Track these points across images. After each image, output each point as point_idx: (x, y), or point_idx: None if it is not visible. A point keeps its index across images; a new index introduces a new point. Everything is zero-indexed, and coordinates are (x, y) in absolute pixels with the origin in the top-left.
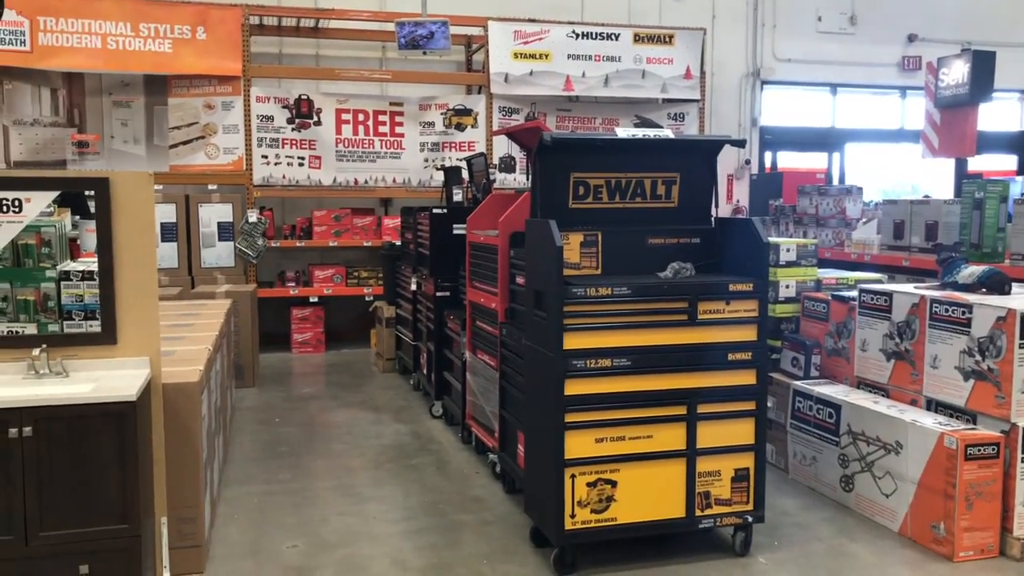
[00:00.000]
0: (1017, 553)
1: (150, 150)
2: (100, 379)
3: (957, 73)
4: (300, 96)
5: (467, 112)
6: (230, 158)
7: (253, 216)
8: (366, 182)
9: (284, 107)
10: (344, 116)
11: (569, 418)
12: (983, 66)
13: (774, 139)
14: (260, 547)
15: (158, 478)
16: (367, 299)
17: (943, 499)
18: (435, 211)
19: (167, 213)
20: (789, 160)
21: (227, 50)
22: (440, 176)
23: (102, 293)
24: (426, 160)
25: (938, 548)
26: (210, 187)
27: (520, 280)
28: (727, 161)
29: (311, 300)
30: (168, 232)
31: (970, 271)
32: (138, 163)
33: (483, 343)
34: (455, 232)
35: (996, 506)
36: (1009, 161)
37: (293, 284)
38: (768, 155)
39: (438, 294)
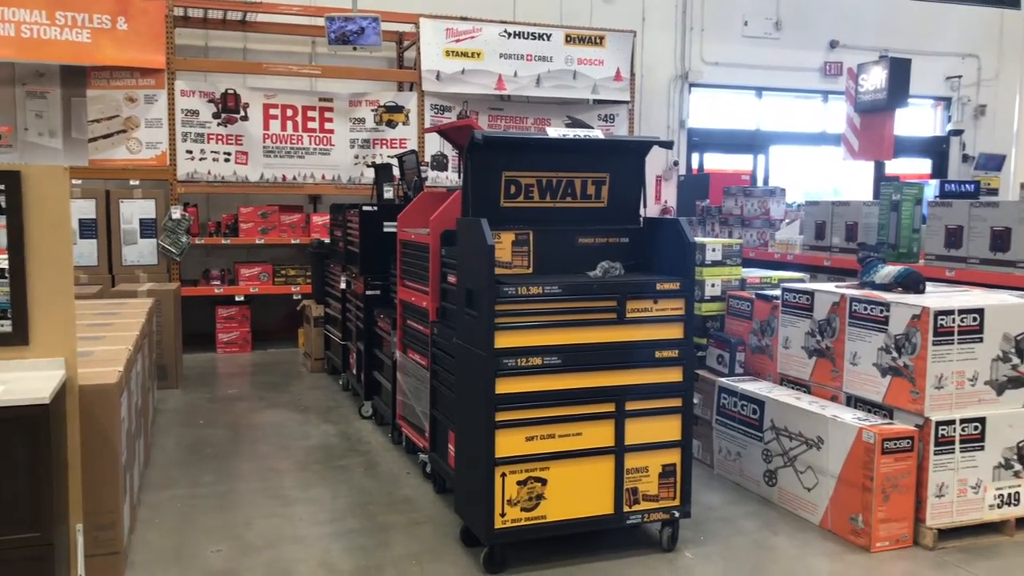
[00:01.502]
0: (930, 542)
1: (68, 143)
2: (10, 381)
3: (875, 79)
4: (227, 90)
5: (398, 109)
6: (153, 153)
7: (177, 212)
8: (294, 179)
9: (210, 101)
10: (272, 111)
11: (500, 417)
12: (899, 73)
13: (701, 141)
14: (182, 552)
15: (73, 484)
16: (295, 298)
17: (861, 492)
18: (365, 208)
19: (86, 209)
20: (716, 162)
21: (150, 42)
22: (371, 173)
23: (12, 292)
24: (356, 157)
25: (856, 539)
26: (132, 182)
27: (452, 279)
28: (656, 162)
29: (237, 299)
30: (87, 228)
31: (887, 271)
32: (55, 157)
33: (414, 342)
34: (386, 230)
35: (911, 498)
36: (924, 164)
37: (218, 282)
38: (696, 156)
39: (368, 293)
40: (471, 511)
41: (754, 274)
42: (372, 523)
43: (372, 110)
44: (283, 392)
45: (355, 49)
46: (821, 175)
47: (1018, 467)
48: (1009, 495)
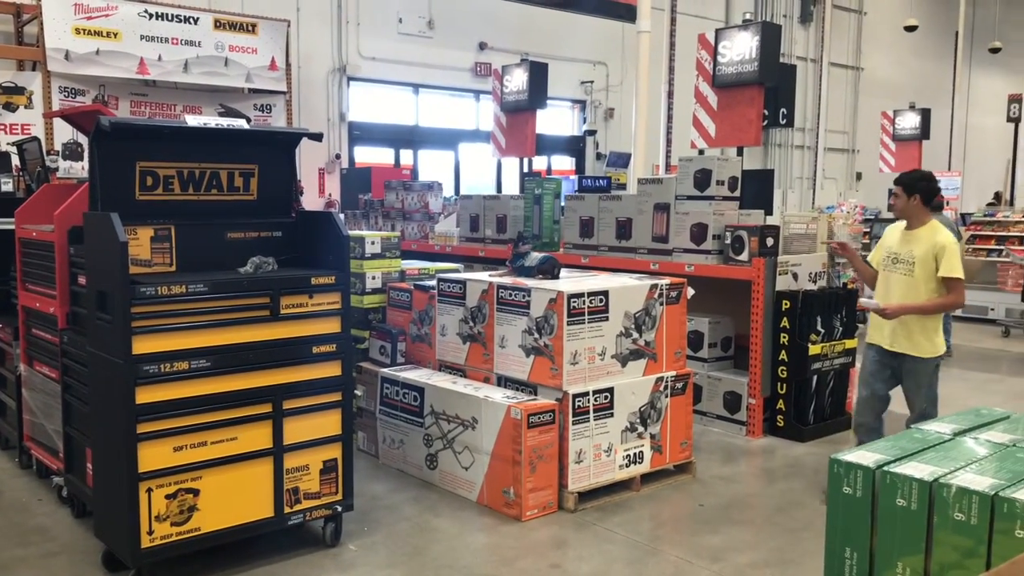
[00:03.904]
0: (571, 505)
1: None
2: None
3: (518, 81)
4: None
5: (19, 91)
6: None
7: None
8: None
9: None
10: None
11: (142, 428)
12: (538, 76)
13: (363, 135)
14: None
15: None
16: None
17: (512, 466)
18: None
19: None
20: (380, 156)
21: None
22: None
23: None
24: None
25: (509, 511)
26: None
27: (82, 280)
28: (318, 155)
29: None
30: None
31: (532, 257)
32: None
33: (41, 353)
34: (2, 227)
35: (554, 466)
36: (568, 161)
37: None
38: (359, 150)
39: None
40: (114, 533)
41: (413, 265)
42: None
43: None
44: None
45: None
46: (484, 169)
47: (641, 429)
48: (635, 454)
